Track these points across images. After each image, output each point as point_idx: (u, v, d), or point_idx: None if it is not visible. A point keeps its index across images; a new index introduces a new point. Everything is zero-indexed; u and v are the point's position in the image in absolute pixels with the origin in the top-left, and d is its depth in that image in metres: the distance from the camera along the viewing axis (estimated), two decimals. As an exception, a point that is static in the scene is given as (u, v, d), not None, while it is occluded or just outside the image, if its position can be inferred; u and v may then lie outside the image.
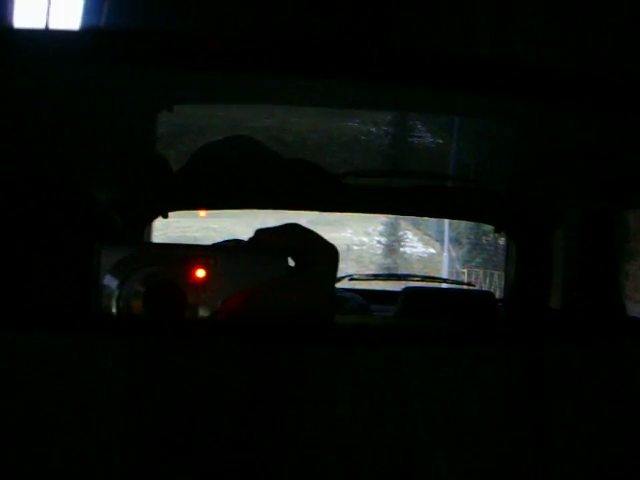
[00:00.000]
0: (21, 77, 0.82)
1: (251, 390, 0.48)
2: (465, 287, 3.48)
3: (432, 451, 0.49)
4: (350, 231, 23.56)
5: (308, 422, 0.48)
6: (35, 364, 0.48)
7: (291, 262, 0.58)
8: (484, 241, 18.31)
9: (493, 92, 0.72)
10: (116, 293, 0.53)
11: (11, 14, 0.78)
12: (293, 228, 0.57)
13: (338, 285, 2.05)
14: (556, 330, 0.58)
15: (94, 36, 0.66)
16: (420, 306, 1.77)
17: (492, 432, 0.51)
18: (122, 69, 1.01)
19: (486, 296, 2.22)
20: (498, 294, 2.30)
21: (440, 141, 1.80)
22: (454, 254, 20.46)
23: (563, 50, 0.74)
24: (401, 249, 23.99)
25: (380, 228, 23.93)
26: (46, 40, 0.63)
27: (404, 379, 0.50)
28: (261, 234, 0.57)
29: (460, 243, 20.54)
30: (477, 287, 8.50)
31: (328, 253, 0.57)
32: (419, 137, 1.85)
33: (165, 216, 1.84)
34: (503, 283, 2.21)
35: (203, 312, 0.54)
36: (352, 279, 2.67)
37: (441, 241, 21.65)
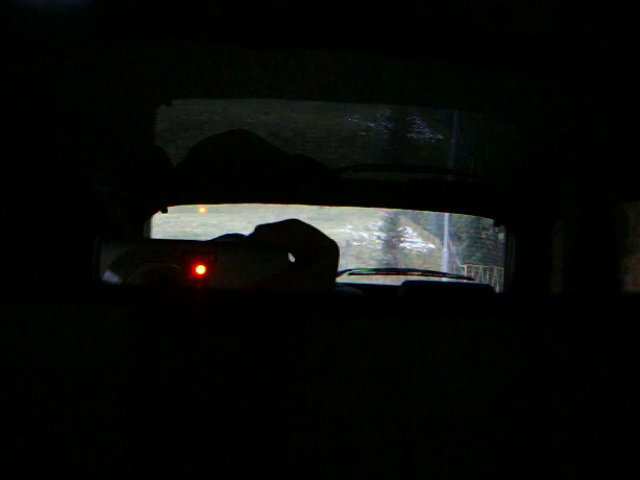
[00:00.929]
0: (22, 67, 0.81)
1: (250, 363, 0.48)
2: (464, 281, 3.48)
3: (430, 433, 0.49)
4: (350, 227, 23.55)
5: (307, 398, 0.48)
6: (38, 333, 0.48)
7: (291, 258, 0.58)
8: (484, 236, 18.30)
9: (490, 64, 0.71)
10: (116, 289, 0.53)
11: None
12: (294, 224, 0.58)
13: (337, 280, 2.04)
14: (555, 306, 0.58)
15: (97, 5, 0.65)
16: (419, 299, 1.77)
17: (491, 415, 0.51)
18: (121, 64, 1.01)
19: (485, 290, 2.22)
20: (498, 289, 2.30)
21: (439, 136, 1.80)
22: (454, 249, 20.45)
23: (562, 22, 0.73)
24: (401, 244, 23.96)
25: (380, 223, 23.90)
26: (48, 9, 0.62)
27: (403, 358, 0.50)
28: (262, 230, 0.57)
29: (460, 238, 20.53)
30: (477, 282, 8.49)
31: (328, 249, 0.57)
32: (418, 132, 1.85)
33: (164, 211, 1.84)
34: (502, 278, 2.21)
35: None
36: (352, 274, 2.66)
37: (441, 236, 21.64)
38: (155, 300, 0.50)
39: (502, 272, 2.19)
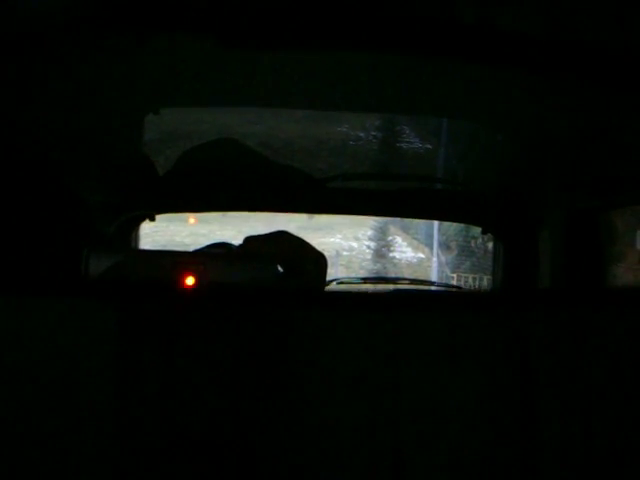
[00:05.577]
0: (9, 75, 0.81)
1: (240, 358, 0.48)
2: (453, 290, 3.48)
3: (419, 438, 0.49)
4: (339, 236, 23.56)
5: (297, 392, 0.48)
6: (26, 334, 0.47)
7: (280, 269, 0.58)
8: (472, 245, 18.35)
9: (475, 60, 0.71)
10: (104, 299, 0.53)
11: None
12: (282, 236, 0.58)
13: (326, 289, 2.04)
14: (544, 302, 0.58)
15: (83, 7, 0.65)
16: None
17: (481, 417, 0.51)
18: (109, 72, 1.00)
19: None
20: (487, 297, 2.30)
21: (428, 145, 1.81)
22: (443, 259, 20.49)
23: (547, 19, 0.74)
24: (390, 254, 23.98)
25: (369, 233, 23.92)
26: (34, 16, 0.62)
27: (394, 360, 0.50)
28: (251, 242, 0.57)
29: (449, 247, 20.57)
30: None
31: (317, 261, 0.58)
32: (407, 142, 1.86)
33: (152, 219, 1.83)
34: (491, 287, 2.21)
35: None
36: (340, 283, 2.66)
37: (430, 246, 21.66)
38: (146, 299, 0.50)
39: (491, 280, 2.19)
